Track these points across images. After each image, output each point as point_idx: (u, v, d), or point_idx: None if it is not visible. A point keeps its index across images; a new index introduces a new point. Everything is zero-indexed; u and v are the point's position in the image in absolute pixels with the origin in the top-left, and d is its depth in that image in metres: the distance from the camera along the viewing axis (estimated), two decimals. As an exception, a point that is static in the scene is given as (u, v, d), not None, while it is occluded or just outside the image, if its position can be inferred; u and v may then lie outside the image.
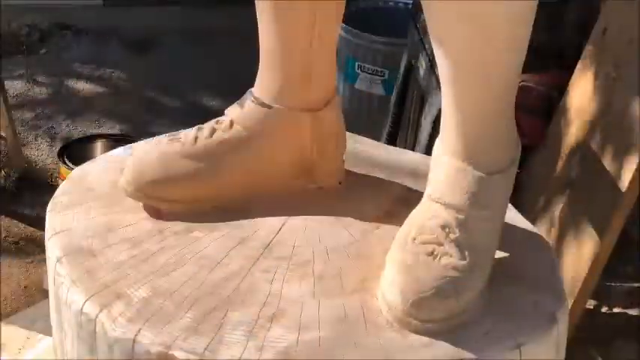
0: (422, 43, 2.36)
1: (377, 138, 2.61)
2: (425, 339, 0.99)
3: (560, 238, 2.14)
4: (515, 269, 1.13)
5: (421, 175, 1.20)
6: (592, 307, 2.36)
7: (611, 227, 2.01)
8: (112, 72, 3.82)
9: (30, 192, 2.96)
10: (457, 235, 1.05)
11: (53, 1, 4.19)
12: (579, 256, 2.08)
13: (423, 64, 2.36)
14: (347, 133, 1.32)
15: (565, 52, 2.54)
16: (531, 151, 2.44)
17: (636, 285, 2.49)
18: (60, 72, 3.80)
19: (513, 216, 1.24)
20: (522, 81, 1.09)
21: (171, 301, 1.03)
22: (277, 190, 1.24)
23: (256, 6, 1.20)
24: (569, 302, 2.04)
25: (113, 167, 1.27)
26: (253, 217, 1.19)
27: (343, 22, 1.39)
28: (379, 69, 2.84)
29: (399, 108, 2.60)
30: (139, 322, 1.00)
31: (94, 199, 1.22)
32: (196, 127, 1.24)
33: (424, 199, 1.11)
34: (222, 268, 1.09)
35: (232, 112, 1.23)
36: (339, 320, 1.02)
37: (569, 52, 2.53)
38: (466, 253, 1.05)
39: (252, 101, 1.22)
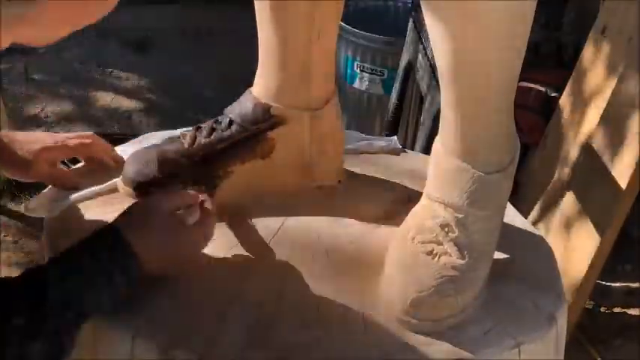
0: (421, 43, 2.36)
1: (376, 137, 2.60)
2: (424, 338, 0.99)
3: (560, 237, 2.14)
4: (515, 269, 1.13)
5: (420, 174, 1.20)
6: (591, 307, 2.36)
7: (610, 226, 2.01)
8: (110, 71, 3.82)
9: (29, 191, 2.95)
10: (456, 234, 1.05)
11: (52, 0, 4.18)
12: (579, 256, 2.08)
13: (422, 64, 2.36)
14: (346, 131, 1.32)
15: (564, 50, 2.54)
16: (530, 150, 2.44)
17: (635, 285, 2.49)
18: (59, 71, 3.80)
19: (513, 216, 1.24)
20: (521, 80, 1.08)
21: (171, 299, 1.03)
22: (276, 189, 1.24)
23: (255, 6, 1.20)
24: (569, 302, 2.04)
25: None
26: (252, 217, 1.19)
27: (342, 21, 1.39)
28: (378, 68, 2.84)
29: (398, 107, 2.60)
30: (139, 321, 0.99)
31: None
32: (195, 126, 1.24)
33: (423, 199, 1.11)
34: (222, 267, 1.09)
35: (231, 111, 1.23)
36: (339, 319, 1.02)
37: (568, 51, 2.53)
38: (465, 252, 1.04)
39: (251, 100, 1.22)
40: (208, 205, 1.08)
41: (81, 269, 0.94)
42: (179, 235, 1.03)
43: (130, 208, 1.04)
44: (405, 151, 1.42)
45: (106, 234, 0.98)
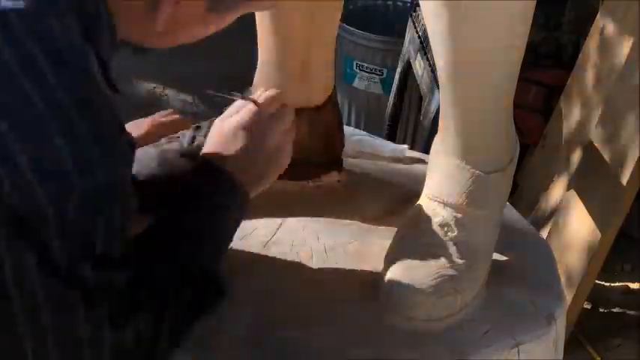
0: (420, 42, 2.36)
1: (375, 137, 2.60)
2: (424, 337, 0.99)
3: (559, 237, 2.14)
4: (514, 269, 1.13)
5: (420, 173, 1.20)
6: (590, 307, 2.36)
7: (610, 226, 2.01)
8: (110, 71, 3.82)
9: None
10: (455, 233, 1.05)
11: None
12: (578, 256, 2.08)
13: (421, 63, 2.36)
14: (346, 130, 1.32)
15: (564, 50, 2.54)
16: (530, 150, 2.44)
17: (635, 284, 2.49)
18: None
19: (513, 216, 1.24)
20: (521, 80, 1.09)
21: (169, 300, 1.03)
22: (276, 188, 1.24)
23: (255, 5, 1.19)
24: (568, 301, 2.04)
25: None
26: (252, 216, 1.19)
27: (341, 20, 1.39)
28: (377, 68, 2.83)
29: (397, 107, 2.60)
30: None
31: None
32: (194, 125, 1.24)
33: (422, 198, 1.11)
34: (221, 267, 1.09)
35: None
36: (338, 319, 1.02)
37: (567, 51, 2.53)
38: (464, 251, 1.05)
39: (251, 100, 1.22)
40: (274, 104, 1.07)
41: (203, 232, 0.94)
42: (268, 151, 1.03)
43: (211, 140, 1.03)
44: (422, 162, 1.38)
45: (216, 179, 0.97)
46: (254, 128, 1.02)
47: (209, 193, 0.96)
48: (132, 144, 0.83)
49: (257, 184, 1.01)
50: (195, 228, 0.93)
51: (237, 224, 0.98)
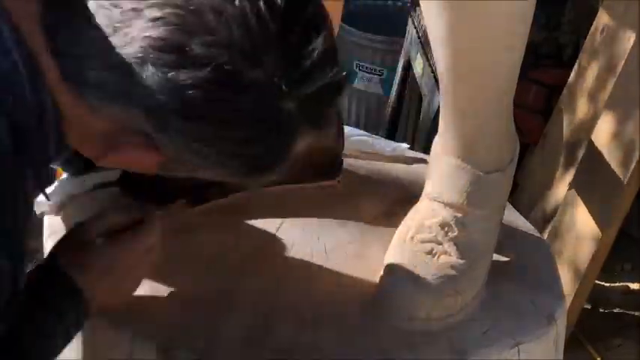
0: (420, 42, 2.36)
1: (375, 137, 2.59)
2: (424, 338, 0.99)
3: (559, 237, 2.14)
4: (515, 269, 1.13)
5: (420, 174, 1.20)
6: (590, 307, 2.36)
7: (610, 226, 2.01)
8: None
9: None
10: (456, 233, 1.05)
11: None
12: (578, 255, 2.08)
13: (421, 63, 2.36)
14: (346, 130, 1.32)
15: (564, 50, 2.54)
16: (530, 150, 2.44)
17: (635, 284, 2.49)
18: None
19: (513, 216, 1.24)
20: (521, 79, 1.09)
21: (170, 300, 1.03)
22: (276, 189, 1.24)
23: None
24: (568, 301, 2.04)
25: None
26: (252, 217, 1.19)
27: (341, 20, 1.39)
28: (378, 68, 2.83)
29: (397, 107, 2.60)
30: (139, 321, 0.99)
31: (92, 198, 1.22)
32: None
33: (423, 198, 1.11)
34: (221, 266, 1.09)
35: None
36: (338, 319, 1.02)
37: (567, 51, 2.53)
38: (465, 251, 1.05)
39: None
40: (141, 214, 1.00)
41: (36, 327, 0.89)
42: (119, 266, 0.96)
43: (65, 243, 0.96)
44: (423, 161, 1.38)
45: (55, 280, 0.92)
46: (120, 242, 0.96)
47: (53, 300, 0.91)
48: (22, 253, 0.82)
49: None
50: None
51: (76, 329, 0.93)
